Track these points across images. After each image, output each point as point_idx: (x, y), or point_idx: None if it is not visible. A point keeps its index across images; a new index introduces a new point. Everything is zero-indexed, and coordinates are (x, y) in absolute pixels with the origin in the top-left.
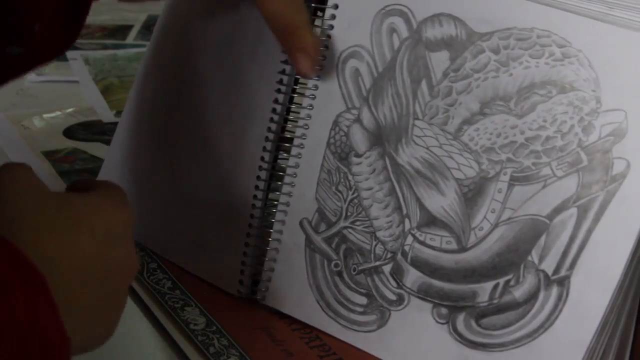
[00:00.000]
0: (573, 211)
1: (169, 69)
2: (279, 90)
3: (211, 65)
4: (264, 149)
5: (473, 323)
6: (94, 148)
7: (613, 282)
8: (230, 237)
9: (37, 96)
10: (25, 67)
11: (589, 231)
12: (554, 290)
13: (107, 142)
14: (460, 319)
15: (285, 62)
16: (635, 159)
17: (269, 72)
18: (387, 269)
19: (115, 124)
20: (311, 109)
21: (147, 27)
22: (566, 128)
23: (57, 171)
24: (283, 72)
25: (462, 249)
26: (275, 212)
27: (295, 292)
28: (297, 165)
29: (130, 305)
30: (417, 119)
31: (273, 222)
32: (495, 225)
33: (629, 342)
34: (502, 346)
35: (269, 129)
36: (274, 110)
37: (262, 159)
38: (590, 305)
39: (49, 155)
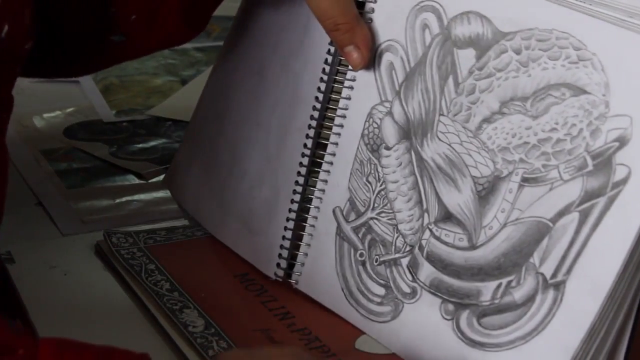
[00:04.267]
0: (575, 216)
1: (236, 58)
2: (321, 79)
3: (267, 55)
4: (307, 136)
5: (475, 321)
6: (94, 147)
7: (604, 290)
8: (272, 221)
9: (37, 95)
10: (129, 54)
11: (587, 237)
12: (550, 294)
13: (107, 142)
14: (464, 316)
15: (329, 52)
16: (636, 166)
17: (314, 61)
18: (405, 261)
19: (115, 123)
20: (349, 100)
21: None
22: (575, 131)
23: (55, 170)
24: (326, 61)
25: (472, 246)
26: (312, 198)
27: (324, 278)
28: (334, 154)
29: (130, 306)
30: (442, 115)
31: (310, 208)
32: (504, 225)
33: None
34: (497, 346)
35: (312, 117)
36: (316, 99)
37: (305, 145)
38: (580, 312)
39: (47, 154)
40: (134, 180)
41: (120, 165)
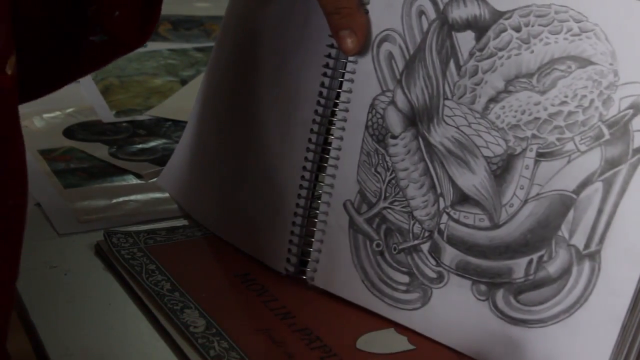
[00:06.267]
0: (598, 185)
1: (231, 56)
2: (325, 74)
3: (264, 51)
4: (312, 130)
5: (512, 299)
6: (93, 148)
7: None
8: (278, 217)
9: None
10: (108, 55)
11: (615, 205)
12: (586, 265)
13: (107, 142)
14: (500, 295)
15: (332, 45)
16: None
17: (315, 56)
18: (425, 247)
19: (115, 124)
20: (350, 93)
21: None
22: (587, 102)
23: (52, 170)
24: (329, 55)
25: (495, 225)
26: (321, 193)
27: (341, 272)
28: (339, 148)
29: (130, 306)
30: (447, 99)
31: (319, 204)
32: (525, 202)
33: None
34: (541, 322)
35: (316, 112)
36: (320, 94)
37: (310, 140)
38: (622, 280)
39: (45, 154)
40: (132, 180)
41: (119, 165)
